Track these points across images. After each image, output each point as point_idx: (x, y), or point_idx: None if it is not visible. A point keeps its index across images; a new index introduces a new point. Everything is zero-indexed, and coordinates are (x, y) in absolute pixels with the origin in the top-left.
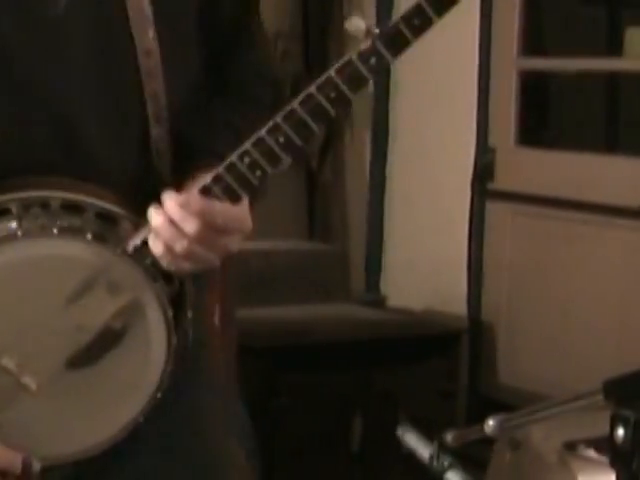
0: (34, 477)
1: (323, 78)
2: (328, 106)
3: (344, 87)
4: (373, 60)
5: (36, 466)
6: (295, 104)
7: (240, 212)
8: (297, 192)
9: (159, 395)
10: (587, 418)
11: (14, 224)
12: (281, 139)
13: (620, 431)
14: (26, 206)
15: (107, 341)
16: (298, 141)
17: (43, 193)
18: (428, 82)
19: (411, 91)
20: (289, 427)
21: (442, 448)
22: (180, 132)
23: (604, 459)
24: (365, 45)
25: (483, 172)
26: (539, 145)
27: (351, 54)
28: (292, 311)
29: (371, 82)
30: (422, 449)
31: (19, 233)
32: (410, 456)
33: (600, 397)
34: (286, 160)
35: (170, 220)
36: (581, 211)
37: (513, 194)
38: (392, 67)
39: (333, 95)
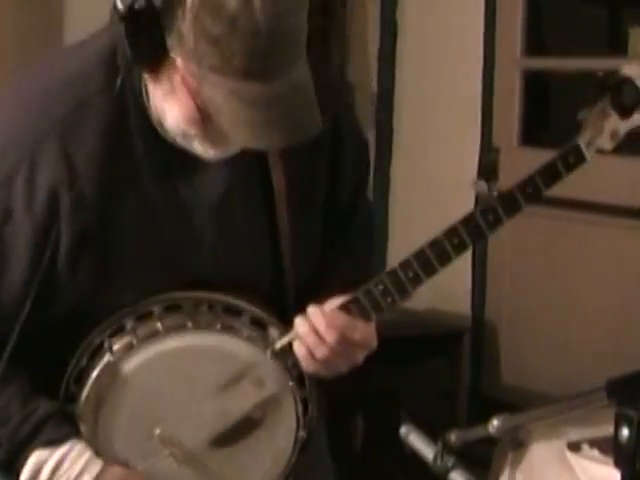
0: None
1: (449, 228)
2: (451, 251)
3: (465, 236)
4: (490, 217)
5: None
6: (425, 247)
7: (371, 331)
8: None
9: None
10: (590, 418)
11: (185, 318)
12: (410, 274)
13: (624, 431)
14: (196, 305)
15: (246, 428)
16: (424, 277)
17: (210, 296)
18: (432, 82)
19: (415, 91)
20: None
21: (446, 448)
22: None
23: (608, 459)
24: (486, 205)
25: (487, 172)
26: (542, 145)
27: (475, 211)
28: None
29: (375, 82)
30: (425, 449)
31: (189, 324)
32: (412, 456)
33: (603, 397)
34: (412, 292)
35: (315, 329)
36: (583, 211)
37: None
38: (396, 66)
39: (456, 242)
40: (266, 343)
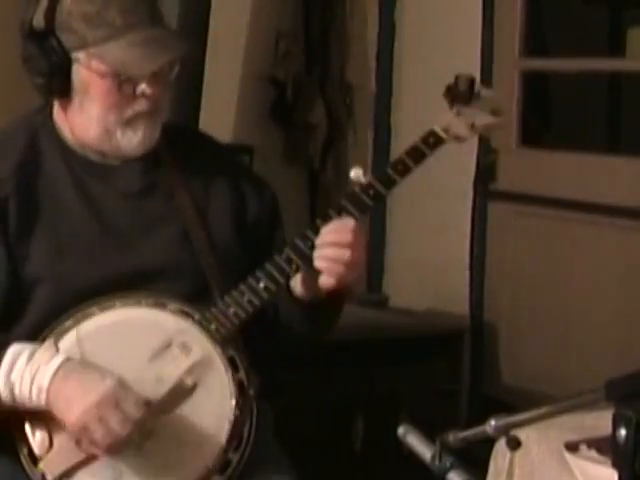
0: None
1: (338, 203)
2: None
3: (351, 208)
4: (371, 192)
5: None
6: (318, 220)
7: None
8: (299, 192)
9: (230, 453)
10: (588, 418)
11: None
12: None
13: (622, 431)
14: (127, 302)
15: (180, 394)
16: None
17: (140, 295)
18: (431, 82)
19: (413, 91)
20: (291, 427)
21: (444, 448)
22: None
23: (606, 460)
24: (365, 182)
25: (485, 173)
26: (541, 146)
27: (354, 187)
28: None
29: (373, 81)
30: (423, 449)
31: (117, 304)
32: (412, 456)
33: (602, 397)
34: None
35: (334, 243)
36: (583, 212)
37: (515, 195)
38: (395, 66)
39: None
40: (191, 318)
